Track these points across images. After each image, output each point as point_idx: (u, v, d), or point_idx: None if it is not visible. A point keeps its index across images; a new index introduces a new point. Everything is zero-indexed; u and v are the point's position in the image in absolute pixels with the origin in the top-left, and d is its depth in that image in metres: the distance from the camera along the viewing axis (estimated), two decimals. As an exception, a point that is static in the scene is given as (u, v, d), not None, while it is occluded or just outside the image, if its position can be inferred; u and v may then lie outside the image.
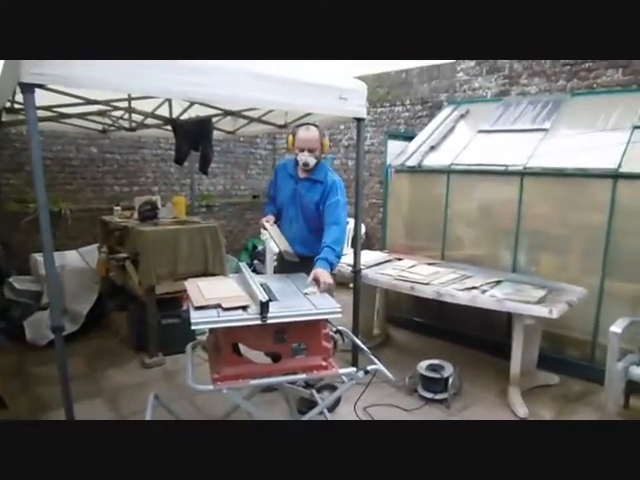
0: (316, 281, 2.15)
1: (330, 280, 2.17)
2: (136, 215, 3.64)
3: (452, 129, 4.07)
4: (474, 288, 2.86)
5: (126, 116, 3.93)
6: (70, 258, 4.18)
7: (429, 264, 3.49)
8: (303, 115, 3.56)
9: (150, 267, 3.11)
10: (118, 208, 3.94)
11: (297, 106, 2.58)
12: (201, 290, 2.01)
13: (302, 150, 2.45)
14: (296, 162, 2.54)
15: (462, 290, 2.83)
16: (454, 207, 3.70)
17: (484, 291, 2.81)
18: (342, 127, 5.97)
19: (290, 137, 2.51)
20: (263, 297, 1.81)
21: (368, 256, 3.66)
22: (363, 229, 5.59)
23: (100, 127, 4.40)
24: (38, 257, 4.24)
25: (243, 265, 2.39)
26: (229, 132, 4.53)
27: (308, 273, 2.25)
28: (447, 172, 3.68)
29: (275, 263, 2.98)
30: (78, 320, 3.72)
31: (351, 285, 3.12)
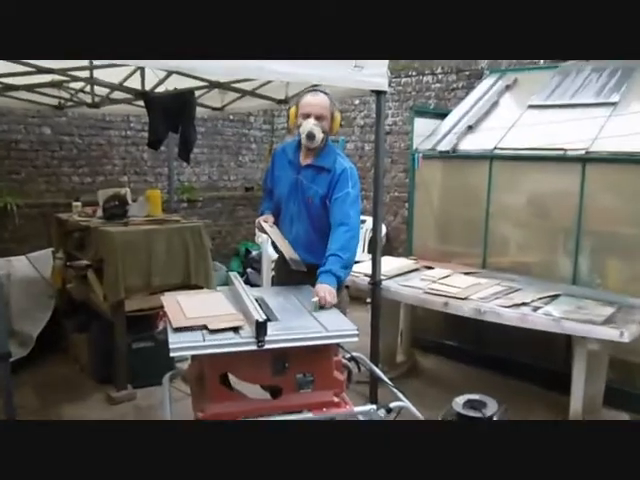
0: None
1: (334, 299, 2.16)
2: (100, 212, 3.66)
3: (495, 104, 4.06)
4: (524, 304, 2.84)
5: (87, 88, 3.94)
6: (18, 265, 4.21)
7: (467, 274, 3.47)
8: (308, 88, 3.56)
9: (118, 277, 3.13)
10: (78, 204, 3.97)
11: (300, 75, 2.56)
12: (182, 307, 2.02)
13: (307, 116, 2.39)
14: (298, 145, 2.52)
15: (509, 307, 2.82)
16: (498, 202, 3.69)
17: (536, 308, 2.80)
18: (357, 102, 5.98)
19: (292, 108, 2.47)
20: (259, 316, 1.82)
21: (390, 264, 3.66)
22: (383, 230, 5.58)
23: (55, 102, 4.42)
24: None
25: (234, 275, 2.40)
26: (216, 109, 4.55)
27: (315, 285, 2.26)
28: (489, 158, 3.68)
29: (273, 273, 2.98)
30: (28, 343, 3.74)
31: (368, 300, 3.11)
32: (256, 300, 2.12)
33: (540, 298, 2.93)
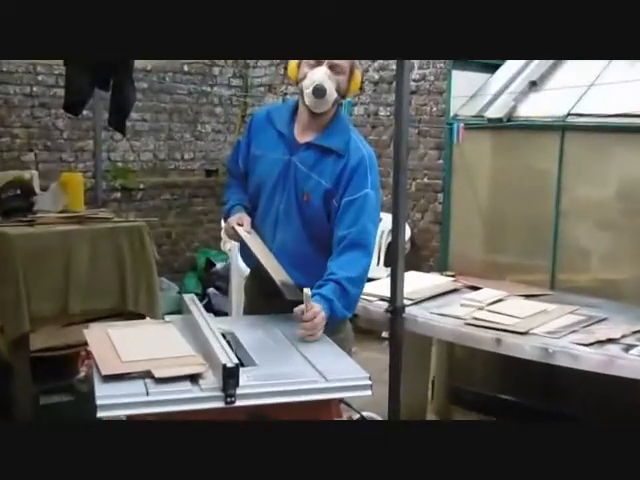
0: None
1: (318, 331, 2.21)
2: (-6, 205, 3.66)
3: (569, 51, 4.09)
4: (611, 341, 2.85)
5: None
6: None
7: (528, 297, 3.48)
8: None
9: (20, 301, 3.14)
10: None
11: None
12: (115, 345, 2.02)
13: (318, 63, 2.35)
14: (293, 112, 2.53)
15: (589, 345, 2.82)
16: (573, 193, 3.70)
17: (629, 347, 2.80)
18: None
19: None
20: (228, 359, 1.82)
21: (417, 282, 3.65)
22: (407, 233, 5.58)
23: None
24: None
25: (190, 299, 2.41)
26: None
27: None
28: (561, 129, 3.68)
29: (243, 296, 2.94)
30: None
31: (385, 334, 3.11)
32: (223, 335, 2.13)
33: (636, 332, 2.94)
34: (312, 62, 2.35)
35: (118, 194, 6.14)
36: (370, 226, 2.41)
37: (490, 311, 3.21)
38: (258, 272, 2.52)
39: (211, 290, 6.02)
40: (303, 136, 2.48)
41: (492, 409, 3.95)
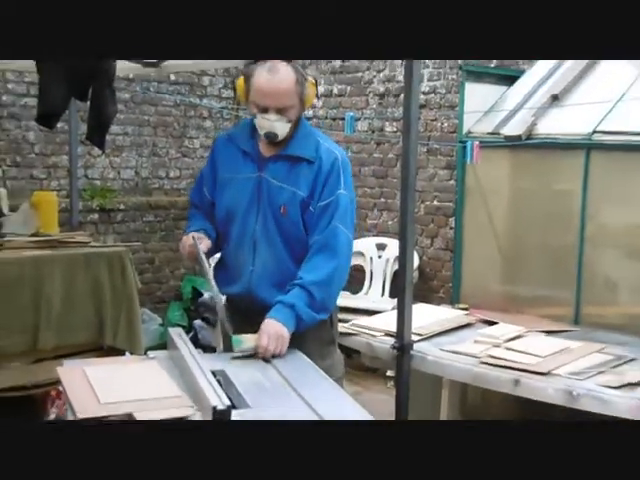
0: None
1: (281, 349, 2.37)
2: (-44, 227, 3.67)
3: (593, 63, 4.11)
4: (642, 384, 2.84)
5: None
6: None
7: (549, 333, 3.47)
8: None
9: (-17, 335, 3.12)
10: None
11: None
12: (92, 385, 2.02)
13: (264, 110, 2.49)
14: (253, 129, 2.62)
15: (619, 388, 2.81)
16: (599, 218, 3.73)
17: (663, 390, 2.79)
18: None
19: (240, 80, 2.59)
20: (219, 401, 1.82)
21: (426, 315, 3.65)
22: (415, 260, 5.57)
23: None
24: None
25: (176, 333, 2.42)
26: (149, 64, 4.59)
27: (304, 351, 2.44)
28: (586, 147, 3.72)
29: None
30: None
31: (391, 373, 3.10)
32: (214, 374, 2.12)
33: (668, 374, 2.93)
34: (260, 105, 2.48)
35: (96, 215, 6.12)
36: (340, 228, 2.52)
37: (508, 349, 3.18)
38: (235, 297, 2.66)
39: (197, 322, 5.99)
40: (269, 150, 2.59)
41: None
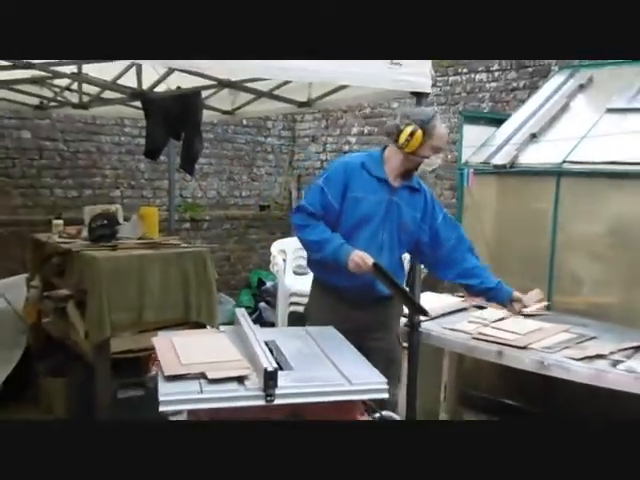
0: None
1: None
2: (85, 233, 3.72)
3: (566, 107, 4.04)
4: (599, 357, 2.76)
5: (74, 86, 4.05)
6: (-16, 294, 4.26)
7: (527, 316, 3.36)
8: (334, 89, 3.62)
9: (103, 312, 3.16)
10: (59, 222, 4.04)
11: (325, 74, 2.64)
12: (177, 351, 2.03)
13: (438, 150, 2.64)
14: (379, 158, 2.71)
15: (580, 360, 2.74)
16: (568, 229, 3.64)
17: (616, 362, 2.70)
18: (395, 105, 6.01)
19: (419, 132, 2.55)
20: (269, 364, 1.81)
21: (432, 301, 3.61)
22: None
23: (36, 101, 4.55)
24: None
25: (241, 313, 2.42)
26: (226, 112, 4.65)
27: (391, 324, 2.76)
28: (557, 174, 3.64)
29: (291, 308, 3.03)
30: (-9, 391, 3.79)
31: (405, 344, 3.09)
32: (266, 344, 2.12)
33: (621, 350, 2.83)
34: (439, 148, 2.64)
35: (188, 224, 6.23)
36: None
37: (494, 328, 3.14)
38: (337, 287, 2.67)
39: (262, 304, 6.02)
40: (395, 181, 2.69)
41: (496, 411, 3.85)
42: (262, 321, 5.93)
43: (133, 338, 3.34)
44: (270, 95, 3.94)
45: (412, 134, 2.53)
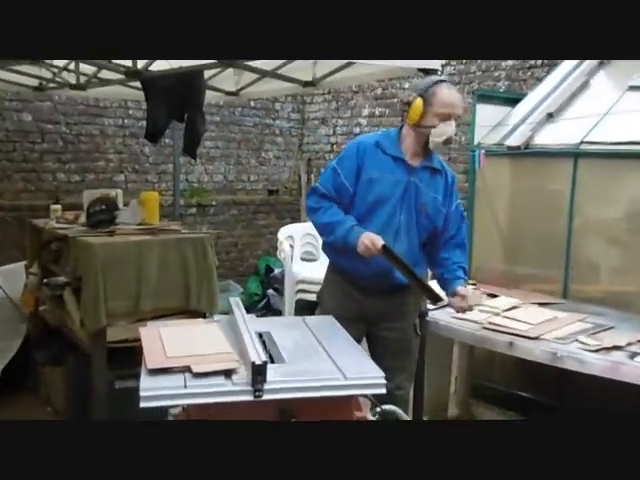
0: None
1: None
2: (83, 218, 3.66)
3: (585, 85, 3.91)
4: (616, 348, 2.65)
5: (72, 66, 3.97)
6: (-17, 281, 4.23)
7: (541, 305, 3.30)
8: (339, 67, 3.51)
9: (98, 300, 3.09)
10: (57, 207, 3.99)
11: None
12: (163, 342, 1.96)
13: (447, 118, 2.44)
14: (396, 136, 2.58)
15: (595, 351, 2.64)
16: (585, 213, 3.54)
17: (634, 354, 2.60)
18: (406, 85, 5.87)
19: (417, 101, 2.44)
20: (257, 357, 1.73)
21: (442, 289, 3.51)
22: None
23: (35, 82, 4.48)
24: None
25: (235, 302, 2.34)
26: (230, 93, 4.57)
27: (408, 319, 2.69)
28: (574, 155, 3.52)
29: (298, 296, 3.00)
30: (-11, 380, 3.76)
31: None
32: (260, 335, 2.06)
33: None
34: (445, 114, 2.42)
35: (194, 210, 6.17)
36: (466, 231, 2.76)
37: (505, 317, 3.05)
38: (352, 273, 2.59)
39: (270, 291, 5.97)
40: (413, 161, 2.55)
41: (509, 404, 3.79)
42: (270, 309, 5.88)
43: (130, 327, 3.26)
44: (274, 74, 3.86)
45: (410, 104, 2.45)
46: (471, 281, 3.78)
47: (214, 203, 6.30)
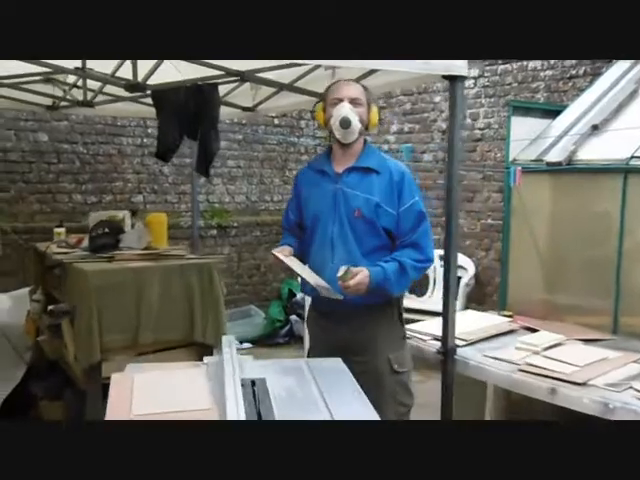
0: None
1: (356, 292, 2.23)
2: (86, 242, 3.44)
3: (633, 94, 3.62)
4: (679, 396, 2.26)
5: (80, 82, 3.85)
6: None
7: (587, 342, 2.93)
8: (359, 76, 3.28)
9: (92, 332, 2.86)
10: (61, 230, 3.82)
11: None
12: (133, 393, 1.66)
13: (339, 101, 2.39)
14: (328, 153, 2.54)
15: (655, 400, 2.25)
16: (637, 235, 3.22)
17: (701, 404, 2.21)
18: (437, 99, 5.58)
19: (319, 104, 2.52)
20: (237, 414, 1.44)
21: (473, 321, 3.20)
22: (472, 270, 5.10)
23: (49, 101, 4.36)
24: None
25: (227, 341, 2.04)
26: (246, 109, 4.36)
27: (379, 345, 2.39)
28: (624, 171, 3.22)
29: (307, 323, 2.83)
30: (-11, 410, 3.58)
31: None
32: (253, 383, 1.77)
33: None
34: (335, 100, 2.39)
35: (215, 231, 5.96)
36: (427, 230, 2.44)
37: (546, 357, 2.67)
38: (315, 300, 2.54)
39: (293, 317, 5.73)
40: (342, 165, 2.46)
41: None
42: (293, 335, 5.62)
43: (129, 361, 2.99)
44: (291, 87, 3.62)
45: (315, 110, 2.53)
46: (507, 313, 3.46)
47: (235, 224, 6.08)
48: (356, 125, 2.36)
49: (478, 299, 5.02)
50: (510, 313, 3.43)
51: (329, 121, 2.41)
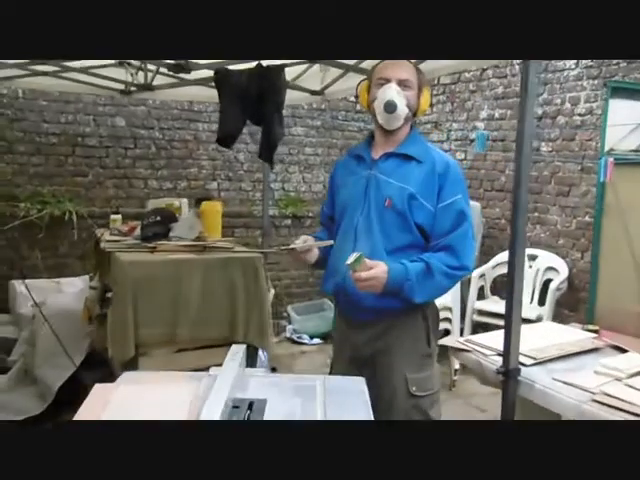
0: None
1: (369, 290, 1.99)
2: (138, 230, 3.35)
3: None
4: None
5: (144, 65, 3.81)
6: (62, 290, 4.14)
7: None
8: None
9: (127, 327, 2.76)
10: (117, 217, 3.77)
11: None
12: (105, 410, 1.46)
13: (386, 81, 2.14)
14: (369, 140, 2.31)
15: None
16: None
17: None
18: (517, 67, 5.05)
19: (363, 83, 2.27)
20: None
21: (549, 336, 2.77)
22: (565, 272, 4.59)
23: (122, 86, 4.34)
24: (19, 286, 4.29)
25: (232, 352, 1.79)
26: (315, 92, 4.16)
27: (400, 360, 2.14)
28: None
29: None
30: (46, 397, 3.58)
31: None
32: (250, 405, 1.53)
33: None
34: (381, 80, 2.15)
35: (289, 221, 5.78)
36: (468, 233, 2.14)
37: (629, 385, 2.21)
38: (337, 300, 2.31)
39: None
40: (380, 151, 2.22)
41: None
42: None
43: (168, 358, 2.91)
44: (356, 69, 3.36)
45: (359, 92, 2.28)
46: (592, 327, 2.99)
47: (310, 214, 5.87)
48: (402, 110, 2.13)
49: (570, 305, 4.49)
50: (596, 327, 2.97)
51: (372, 103, 2.18)
